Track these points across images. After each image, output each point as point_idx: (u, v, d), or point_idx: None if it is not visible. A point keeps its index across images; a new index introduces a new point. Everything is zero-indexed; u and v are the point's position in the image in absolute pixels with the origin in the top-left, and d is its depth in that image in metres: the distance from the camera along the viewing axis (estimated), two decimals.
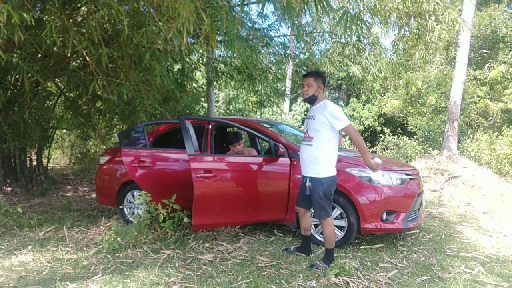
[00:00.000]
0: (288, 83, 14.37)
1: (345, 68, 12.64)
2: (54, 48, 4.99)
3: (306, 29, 8.16)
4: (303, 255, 3.55)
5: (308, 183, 3.21)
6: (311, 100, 3.25)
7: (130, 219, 4.56)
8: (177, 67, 7.47)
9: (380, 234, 4.14)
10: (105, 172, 4.94)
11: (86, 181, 8.06)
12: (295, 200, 3.91)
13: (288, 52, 8.56)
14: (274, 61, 7.68)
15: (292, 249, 3.64)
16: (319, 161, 3.14)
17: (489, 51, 12.65)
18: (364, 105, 15.59)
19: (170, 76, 5.61)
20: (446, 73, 12.58)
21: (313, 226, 3.87)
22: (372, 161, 3.18)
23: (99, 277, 3.06)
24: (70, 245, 3.89)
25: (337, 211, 3.77)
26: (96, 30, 3.95)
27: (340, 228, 3.77)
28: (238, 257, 3.49)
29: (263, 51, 7.11)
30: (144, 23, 4.36)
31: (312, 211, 3.34)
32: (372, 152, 13.16)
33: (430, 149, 10.05)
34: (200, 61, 7.57)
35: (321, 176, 3.14)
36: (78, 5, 4.83)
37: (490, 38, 12.37)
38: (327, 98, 3.34)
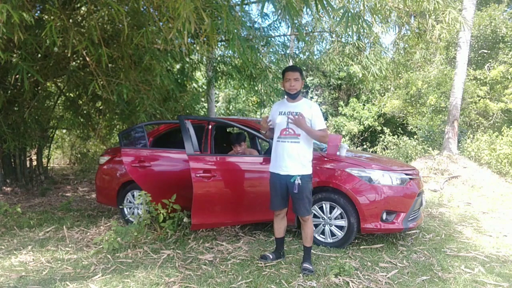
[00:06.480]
0: None
1: (345, 68, 12.64)
2: (54, 48, 4.99)
3: (306, 28, 8.16)
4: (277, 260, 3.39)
5: (297, 181, 3.07)
6: (296, 95, 3.16)
7: (130, 219, 4.56)
8: (177, 67, 7.46)
9: (380, 234, 4.14)
10: (105, 172, 4.94)
11: (86, 181, 8.06)
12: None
13: (288, 51, 8.55)
14: (274, 60, 7.68)
15: (271, 256, 3.40)
16: (308, 157, 3.13)
17: (489, 51, 12.62)
18: (364, 105, 15.56)
19: (170, 76, 5.61)
20: (446, 73, 12.56)
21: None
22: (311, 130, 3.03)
23: (99, 277, 3.06)
24: (70, 245, 3.89)
25: (337, 211, 3.76)
26: (96, 30, 3.95)
27: (340, 228, 3.77)
28: (238, 257, 3.49)
29: (263, 50, 7.11)
30: (144, 23, 4.36)
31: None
32: (372, 152, 13.15)
33: (430, 149, 10.04)
34: (200, 61, 7.57)
35: (310, 172, 3.16)
36: (78, 5, 4.83)
37: (490, 38, 12.35)
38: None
